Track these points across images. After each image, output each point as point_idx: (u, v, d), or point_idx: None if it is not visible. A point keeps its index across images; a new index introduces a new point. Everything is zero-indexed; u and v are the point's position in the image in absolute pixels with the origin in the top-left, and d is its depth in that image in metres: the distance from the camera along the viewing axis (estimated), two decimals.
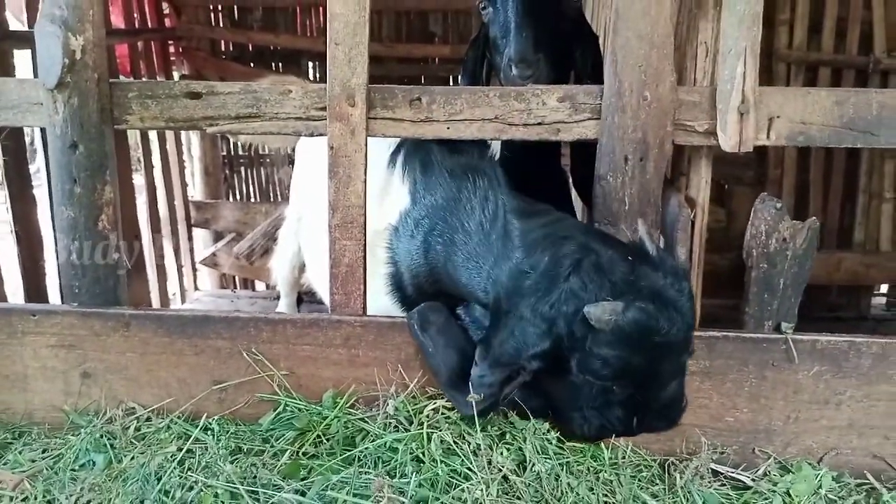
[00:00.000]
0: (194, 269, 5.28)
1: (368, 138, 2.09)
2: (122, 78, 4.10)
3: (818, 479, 1.97)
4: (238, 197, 5.98)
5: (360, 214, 2.11)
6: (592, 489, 1.85)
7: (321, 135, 2.10)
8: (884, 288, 5.23)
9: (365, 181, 2.10)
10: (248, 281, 5.59)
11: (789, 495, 1.93)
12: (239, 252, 4.62)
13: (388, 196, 2.33)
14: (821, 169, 4.78)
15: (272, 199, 5.95)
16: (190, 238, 5.23)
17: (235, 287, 5.55)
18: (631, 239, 1.97)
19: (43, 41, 2.01)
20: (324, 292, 2.62)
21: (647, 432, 1.86)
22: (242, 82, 2.13)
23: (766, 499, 1.92)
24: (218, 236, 5.22)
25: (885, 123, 2.03)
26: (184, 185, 5.20)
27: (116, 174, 2.19)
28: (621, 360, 1.64)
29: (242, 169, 5.98)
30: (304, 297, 4.00)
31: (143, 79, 4.73)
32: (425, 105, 2.09)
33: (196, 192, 5.59)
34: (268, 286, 5.41)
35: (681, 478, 1.93)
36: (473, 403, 1.77)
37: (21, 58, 3.32)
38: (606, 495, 1.86)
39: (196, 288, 5.30)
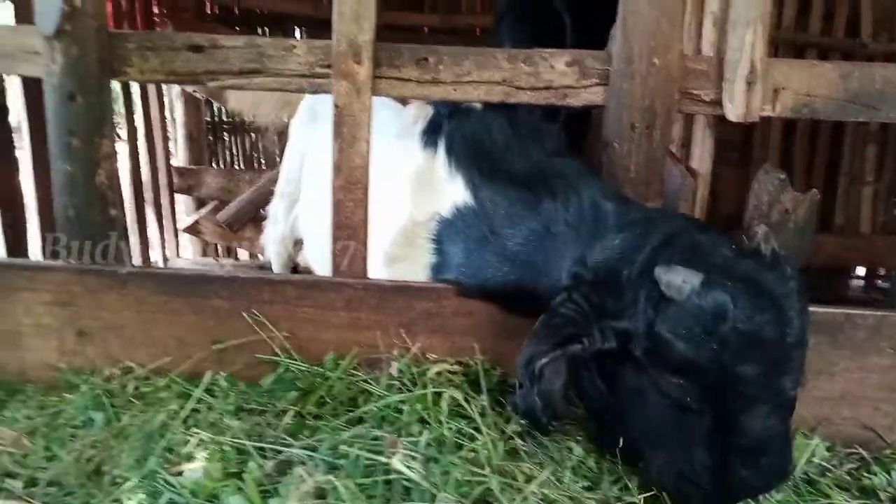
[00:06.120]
0: (176, 237, 5.20)
1: (374, 100, 2.06)
2: None
3: (812, 448, 1.99)
4: (222, 164, 5.88)
5: (364, 175, 2.08)
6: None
7: (325, 92, 2.07)
8: (860, 271, 5.31)
9: (369, 141, 2.07)
10: (231, 249, 5.51)
11: None
12: (222, 220, 4.56)
13: (429, 186, 2.21)
14: (805, 153, 4.85)
15: (256, 167, 5.87)
16: (172, 205, 5.15)
17: (218, 256, 5.47)
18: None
19: None
20: (324, 271, 2.59)
21: (737, 494, 1.53)
22: (246, 36, 2.09)
23: None
24: (201, 203, 5.14)
25: (888, 98, 2.06)
26: (167, 151, 5.10)
27: (114, 129, 2.14)
28: (692, 345, 1.40)
29: (226, 135, 5.88)
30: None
31: None
32: (432, 65, 2.07)
33: (179, 158, 5.49)
34: (251, 255, 5.35)
35: None
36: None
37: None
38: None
39: (178, 256, 5.23)
